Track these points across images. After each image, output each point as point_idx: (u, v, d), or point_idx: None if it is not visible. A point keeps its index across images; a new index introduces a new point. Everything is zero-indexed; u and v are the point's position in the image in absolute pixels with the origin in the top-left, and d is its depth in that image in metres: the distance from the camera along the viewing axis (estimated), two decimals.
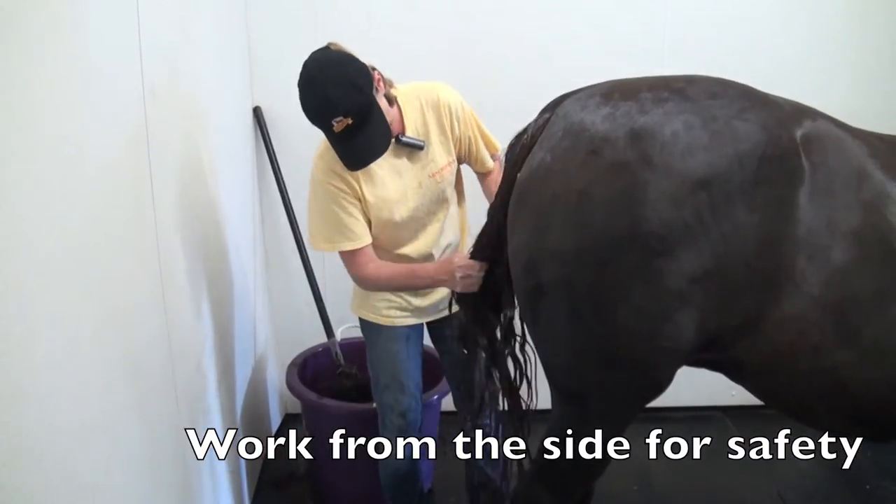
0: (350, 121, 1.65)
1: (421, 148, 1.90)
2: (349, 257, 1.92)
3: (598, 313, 1.46)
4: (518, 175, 1.59)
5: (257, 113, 2.84)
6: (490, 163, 2.10)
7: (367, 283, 1.98)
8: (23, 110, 1.10)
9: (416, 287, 2.02)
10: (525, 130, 1.66)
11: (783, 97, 1.55)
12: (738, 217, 1.39)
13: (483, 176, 2.17)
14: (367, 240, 1.91)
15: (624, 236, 1.40)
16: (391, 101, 1.84)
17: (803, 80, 2.85)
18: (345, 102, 1.65)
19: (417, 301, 2.11)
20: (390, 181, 1.90)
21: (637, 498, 2.70)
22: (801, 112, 1.52)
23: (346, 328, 2.74)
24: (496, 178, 2.01)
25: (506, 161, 1.69)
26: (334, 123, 1.65)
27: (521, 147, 1.62)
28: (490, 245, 1.76)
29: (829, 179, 1.45)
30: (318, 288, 2.78)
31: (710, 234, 1.38)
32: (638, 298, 1.42)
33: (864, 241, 1.44)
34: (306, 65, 1.73)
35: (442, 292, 2.11)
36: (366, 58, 1.66)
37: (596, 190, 1.41)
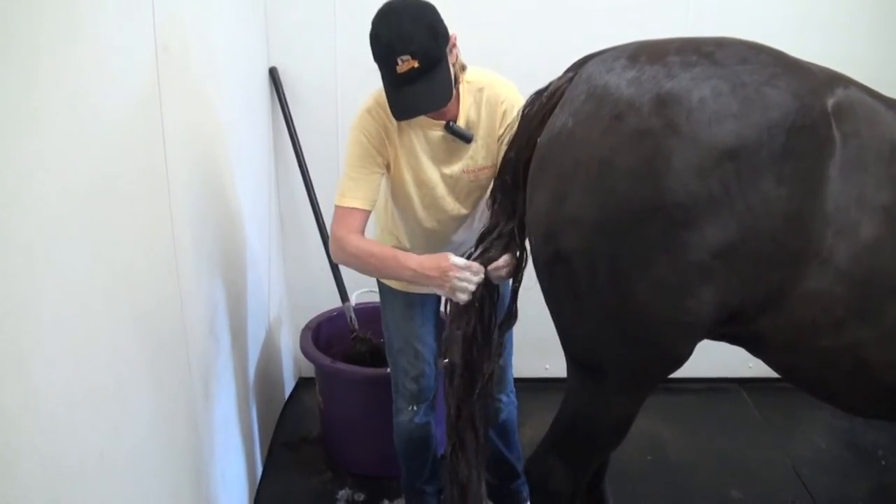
0: (416, 64, 1.56)
1: (468, 141, 1.79)
2: (338, 215, 1.80)
3: (617, 285, 1.43)
4: (539, 139, 1.55)
5: (273, 74, 2.79)
6: None
7: (337, 251, 1.81)
8: (32, 68, 1.07)
9: (392, 277, 1.87)
10: (546, 87, 1.60)
11: (815, 63, 1.50)
12: (766, 189, 1.34)
13: None
14: (365, 206, 1.79)
15: (646, 206, 1.36)
16: (456, 78, 1.72)
17: (826, 46, 2.73)
18: (418, 42, 1.55)
19: None
20: (424, 161, 1.78)
21: (651, 469, 2.69)
22: (833, 79, 1.46)
23: (361, 293, 2.72)
24: None
25: (522, 116, 1.64)
26: (399, 62, 1.56)
27: (541, 106, 1.58)
28: (503, 202, 1.70)
29: (861, 152, 1.40)
30: None
31: (735, 206, 1.34)
32: (659, 271, 1.39)
33: (894, 217, 1.40)
34: None
35: None
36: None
37: (618, 157, 1.37)
